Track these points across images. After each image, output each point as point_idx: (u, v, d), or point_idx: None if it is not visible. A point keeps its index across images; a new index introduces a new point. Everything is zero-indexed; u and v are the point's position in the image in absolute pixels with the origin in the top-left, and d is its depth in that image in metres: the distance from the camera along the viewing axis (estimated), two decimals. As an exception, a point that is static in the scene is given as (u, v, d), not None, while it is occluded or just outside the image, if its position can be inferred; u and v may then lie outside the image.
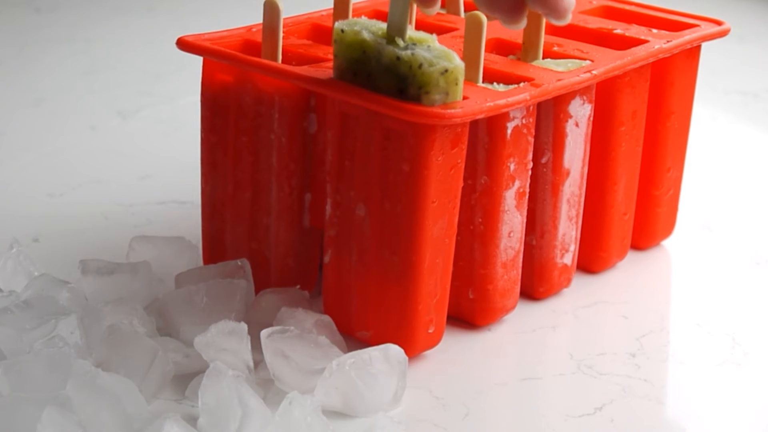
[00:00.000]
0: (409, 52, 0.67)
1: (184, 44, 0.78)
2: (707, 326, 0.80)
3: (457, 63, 0.67)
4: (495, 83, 0.75)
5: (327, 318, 0.73)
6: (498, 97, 0.70)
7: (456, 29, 0.84)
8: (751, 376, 0.74)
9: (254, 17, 0.82)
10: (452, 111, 0.67)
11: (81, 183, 0.99)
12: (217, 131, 0.79)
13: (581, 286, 0.84)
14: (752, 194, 1.02)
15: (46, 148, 1.07)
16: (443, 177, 0.70)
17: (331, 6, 0.82)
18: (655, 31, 0.85)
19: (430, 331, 0.74)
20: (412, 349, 0.73)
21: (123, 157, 1.06)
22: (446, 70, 0.66)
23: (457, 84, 0.67)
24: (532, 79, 0.74)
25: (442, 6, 0.93)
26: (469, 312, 0.77)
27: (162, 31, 1.43)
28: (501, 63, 0.77)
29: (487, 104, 0.69)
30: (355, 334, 0.74)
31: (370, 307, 0.73)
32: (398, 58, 0.67)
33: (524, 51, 0.79)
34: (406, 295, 0.71)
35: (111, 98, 1.20)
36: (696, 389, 0.73)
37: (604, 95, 0.80)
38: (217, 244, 0.81)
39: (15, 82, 1.25)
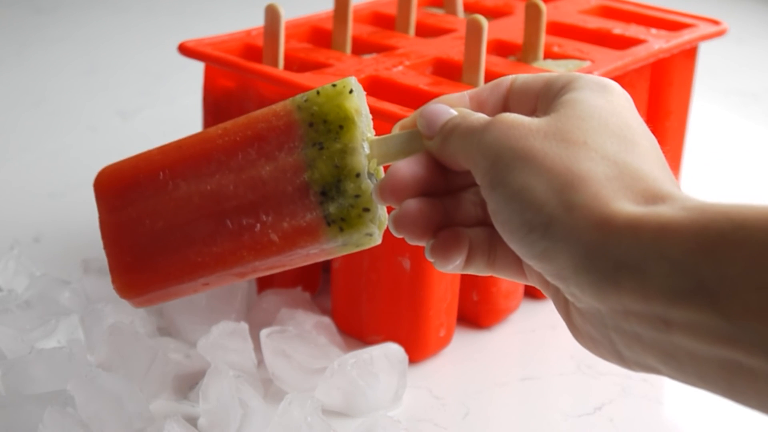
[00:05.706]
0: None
1: (185, 50, 0.78)
2: (707, 326, 0.80)
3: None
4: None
5: (327, 319, 0.73)
6: None
7: (455, 30, 0.84)
8: (751, 376, 0.74)
9: (253, 17, 0.82)
10: None
11: (81, 183, 0.99)
12: (219, 136, 0.78)
13: (581, 286, 0.84)
14: (752, 194, 1.02)
15: (46, 148, 1.07)
16: None
17: (331, 8, 0.82)
18: (653, 30, 0.85)
19: (441, 334, 0.74)
20: (424, 352, 0.73)
21: (123, 157, 1.05)
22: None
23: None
24: (533, 81, 0.74)
25: (441, 6, 0.93)
26: (474, 314, 0.77)
27: (162, 32, 1.43)
28: (502, 65, 0.77)
29: None
30: (366, 339, 0.74)
31: (382, 313, 0.73)
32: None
33: (524, 52, 0.79)
34: (418, 301, 0.72)
35: (111, 98, 1.20)
36: (695, 389, 0.73)
37: (604, 96, 0.80)
38: (219, 248, 0.81)
39: (15, 82, 1.25)
